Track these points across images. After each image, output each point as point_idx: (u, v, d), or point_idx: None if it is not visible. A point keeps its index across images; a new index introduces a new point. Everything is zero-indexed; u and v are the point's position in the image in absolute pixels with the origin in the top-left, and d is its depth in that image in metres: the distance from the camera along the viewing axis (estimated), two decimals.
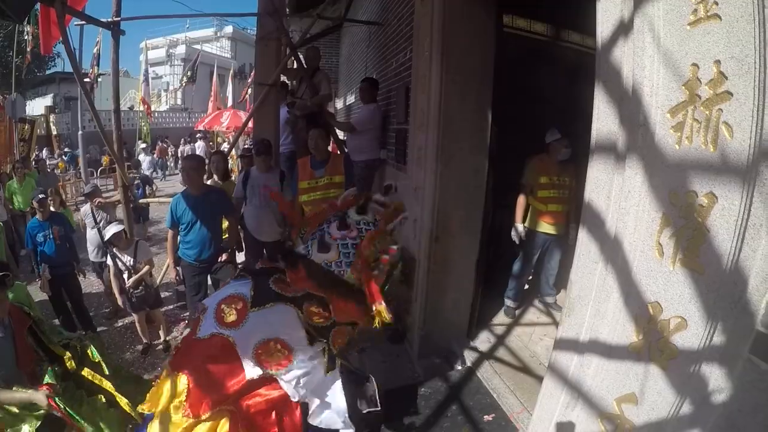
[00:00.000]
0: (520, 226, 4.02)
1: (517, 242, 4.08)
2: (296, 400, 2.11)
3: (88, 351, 2.82)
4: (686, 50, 1.45)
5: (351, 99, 6.62)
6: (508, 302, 4.28)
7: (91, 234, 5.68)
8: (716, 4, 1.39)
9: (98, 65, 16.51)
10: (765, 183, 1.26)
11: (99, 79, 17.48)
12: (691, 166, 1.42)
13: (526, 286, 4.46)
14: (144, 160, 16.31)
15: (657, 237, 1.54)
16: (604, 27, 1.78)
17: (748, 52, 1.30)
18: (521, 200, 4.02)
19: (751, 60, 1.29)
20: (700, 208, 1.39)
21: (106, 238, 4.61)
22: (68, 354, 2.72)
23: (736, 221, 1.31)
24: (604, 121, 1.81)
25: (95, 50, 16.16)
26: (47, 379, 2.51)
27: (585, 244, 1.93)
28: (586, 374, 1.89)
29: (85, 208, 5.93)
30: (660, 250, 1.53)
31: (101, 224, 5.50)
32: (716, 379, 1.39)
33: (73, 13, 4.69)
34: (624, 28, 1.68)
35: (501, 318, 4.25)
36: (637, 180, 1.62)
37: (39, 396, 2.26)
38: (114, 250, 4.58)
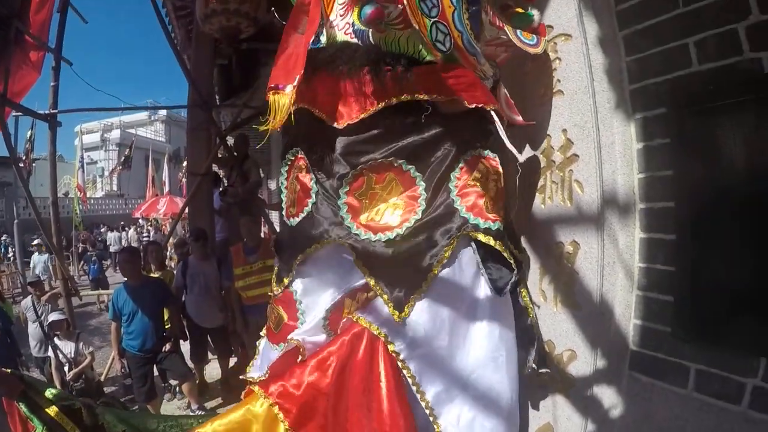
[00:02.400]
0: None
1: None
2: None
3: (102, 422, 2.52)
4: (540, 123, 1.77)
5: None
6: None
7: (33, 328, 5.45)
8: (560, 81, 1.73)
9: (31, 150, 16.11)
10: (611, 226, 1.54)
11: (33, 164, 16.98)
12: (555, 220, 1.70)
13: None
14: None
15: (539, 285, 1.79)
16: None
17: (587, 119, 1.62)
18: None
19: (590, 125, 1.61)
20: (568, 255, 1.66)
21: (46, 324, 4.52)
22: (54, 409, 2.44)
23: (597, 262, 1.57)
24: None
25: (29, 134, 15.82)
26: None
27: None
28: None
29: (26, 301, 5.71)
30: (544, 296, 1.77)
31: (43, 317, 5.32)
32: (608, 397, 1.60)
33: (12, 106, 4.75)
34: None
35: None
36: None
37: None
38: (55, 339, 4.44)
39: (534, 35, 1.67)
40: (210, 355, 5.14)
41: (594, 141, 1.59)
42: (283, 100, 1.46)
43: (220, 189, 5.94)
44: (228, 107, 7.66)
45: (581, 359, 1.66)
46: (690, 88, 1.37)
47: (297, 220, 1.73)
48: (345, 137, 1.63)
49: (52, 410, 2.44)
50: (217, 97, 7.20)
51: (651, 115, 1.48)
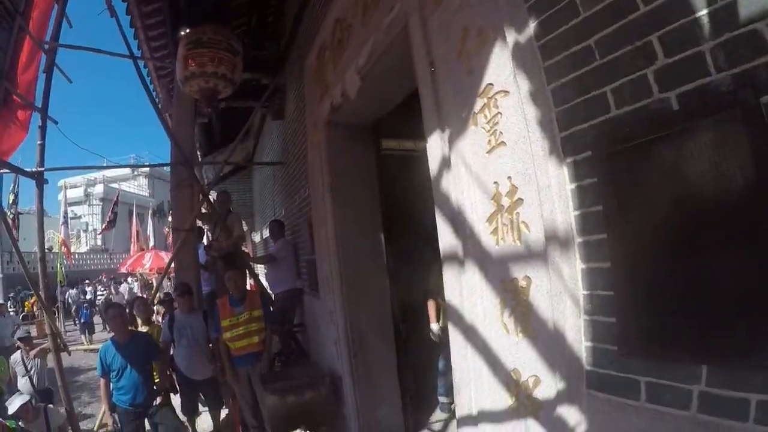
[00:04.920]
0: (435, 326, 4.31)
1: (437, 341, 4.35)
2: None
3: None
4: (488, 172, 1.97)
5: (267, 233, 7.11)
6: (441, 398, 4.50)
7: (23, 383, 5.47)
8: (502, 133, 1.93)
9: (16, 204, 16.04)
10: (555, 260, 1.71)
11: (19, 217, 16.85)
12: (508, 258, 1.88)
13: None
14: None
15: (501, 318, 1.95)
16: (432, 163, 2.33)
17: (528, 166, 1.81)
18: (431, 304, 4.35)
19: (530, 171, 1.80)
20: (522, 289, 1.82)
21: (9, 413, 4.42)
22: None
23: (547, 292, 1.74)
24: (445, 236, 2.31)
25: (13, 187, 15.78)
26: None
27: (453, 334, 2.34)
28: None
29: (15, 356, 5.73)
30: (506, 328, 1.93)
31: (32, 372, 5.48)
32: (573, 415, 1.72)
33: (1, 164, 4.86)
34: (446, 162, 2.22)
35: (438, 415, 4.48)
36: (476, 278, 2.08)
37: None
38: (20, 423, 4.33)
39: None
40: (201, 408, 5.14)
41: (535, 185, 1.77)
42: None
43: (205, 244, 6.09)
44: (210, 164, 7.87)
45: (545, 383, 1.80)
46: (609, 132, 1.54)
47: None
48: None
49: None
50: (198, 153, 7.42)
51: (579, 158, 1.65)
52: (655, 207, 1.46)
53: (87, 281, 20.56)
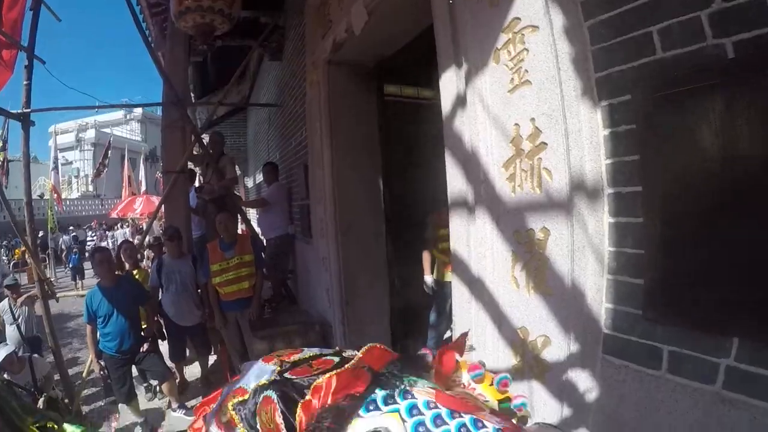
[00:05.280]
0: (428, 279, 4.23)
1: (430, 293, 4.28)
2: None
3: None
4: (509, 113, 1.78)
5: (260, 177, 6.93)
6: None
7: (11, 331, 5.43)
8: (527, 71, 1.74)
9: (5, 150, 15.70)
10: (580, 212, 1.55)
11: (8, 165, 16.55)
12: (525, 207, 1.71)
13: (448, 334, 4.67)
14: None
15: (511, 272, 1.80)
16: (445, 102, 2.12)
17: (555, 108, 1.63)
18: (426, 255, 4.25)
19: (558, 113, 1.62)
20: (538, 241, 1.67)
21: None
22: None
23: (567, 247, 1.59)
24: (454, 181, 2.13)
25: (1, 133, 15.39)
26: None
27: (457, 287, 2.19)
28: None
29: (3, 304, 5.65)
30: (516, 283, 1.79)
31: (20, 320, 5.39)
32: (583, 381, 1.62)
33: None
34: (461, 101, 2.01)
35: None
36: (486, 227, 1.91)
37: None
38: (5, 375, 4.20)
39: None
40: (189, 354, 5.10)
41: (562, 129, 1.60)
42: None
43: (196, 186, 5.90)
44: (203, 104, 7.59)
45: (555, 344, 1.68)
46: (653, 75, 1.38)
47: None
48: None
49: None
50: (192, 95, 7.11)
51: (616, 102, 1.49)
52: (700, 162, 1.32)
53: (72, 228, 20.34)
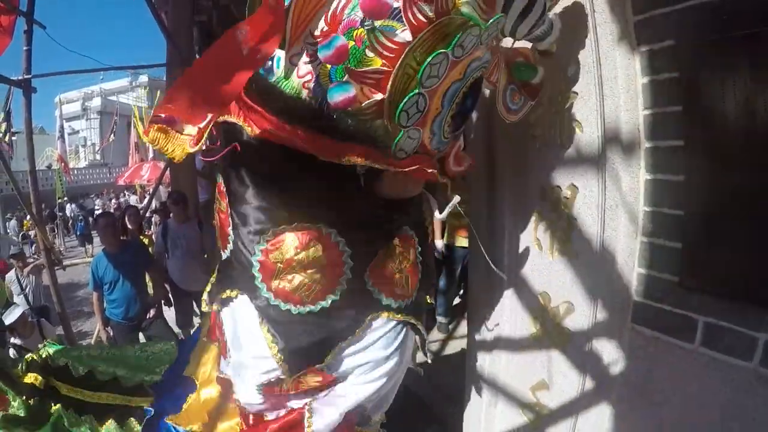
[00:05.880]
0: (439, 243, 4.12)
1: (440, 258, 4.18)
2: None
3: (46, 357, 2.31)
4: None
5: None
6: (440, 318, 4.38)
7: (19, 301, 5.39)
8: (557, 15, 1.57)
9: (9, 122, 15.60)
10: (613, 167, 1.42)
11: (14, 138, 16.46)
12: (551, 163, 1.57)
13: (458, 300, 4.59)
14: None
15: (534, 233, 1.68)
16: None
17: (588, 53, 1.48)
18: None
19: (590, 60, 1.47)
20: (565, 199, 1.54)
21: (6, 324, 4.22)
22: (33, 375, 2.25)
23: (597, 206, 1.46)
24: None
25: (6, 107, 15.26)
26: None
27: (475, 248, 2.06)
28: (499, 370, 2.00)
29: (10, 275, 5.62)
30: (539, 244, 1.67)
31: (27, 290, 5.33)
32: (608, 352, 1.52)
33: None
34: None
35: (435, 335, 4.33)
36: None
37: None
38: (14, 339, 4.16)
39: (522, 98, 1.46)
40: (195, 319, 5.07)
41: (595, 76, 1.46)
42: (176, 150, 1.14)
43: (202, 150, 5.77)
44: None
45: (579, 312, 1.57)
46: (700, 19, 1.23)
47: (224, 254, 1.50)
48: (275, 184, 1.36)
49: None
50: (197, 56, 6.91)
51: (658, 48, 1.34)
52: (751, 116, 1.18)
53: (81, 201, 20.40)
